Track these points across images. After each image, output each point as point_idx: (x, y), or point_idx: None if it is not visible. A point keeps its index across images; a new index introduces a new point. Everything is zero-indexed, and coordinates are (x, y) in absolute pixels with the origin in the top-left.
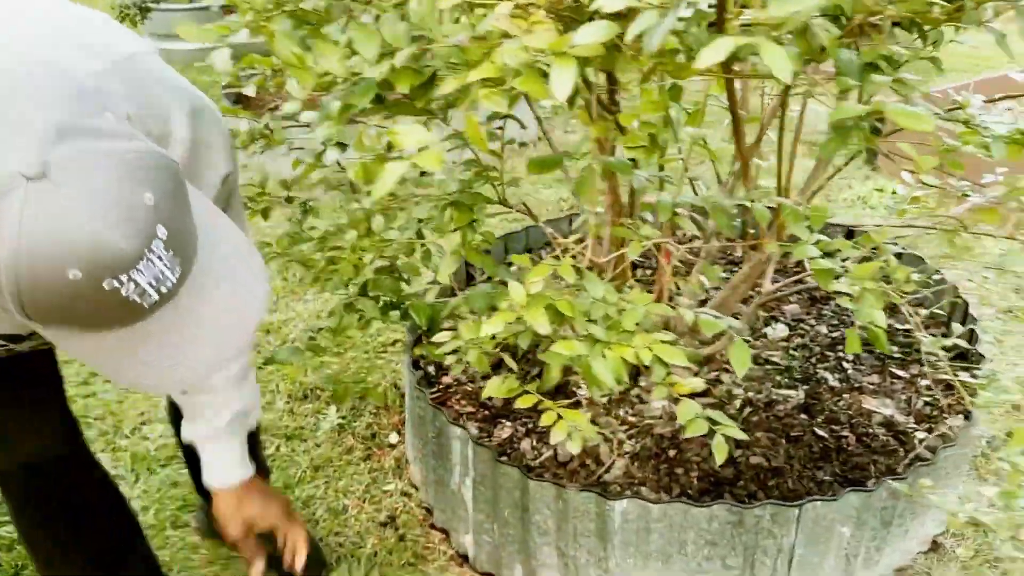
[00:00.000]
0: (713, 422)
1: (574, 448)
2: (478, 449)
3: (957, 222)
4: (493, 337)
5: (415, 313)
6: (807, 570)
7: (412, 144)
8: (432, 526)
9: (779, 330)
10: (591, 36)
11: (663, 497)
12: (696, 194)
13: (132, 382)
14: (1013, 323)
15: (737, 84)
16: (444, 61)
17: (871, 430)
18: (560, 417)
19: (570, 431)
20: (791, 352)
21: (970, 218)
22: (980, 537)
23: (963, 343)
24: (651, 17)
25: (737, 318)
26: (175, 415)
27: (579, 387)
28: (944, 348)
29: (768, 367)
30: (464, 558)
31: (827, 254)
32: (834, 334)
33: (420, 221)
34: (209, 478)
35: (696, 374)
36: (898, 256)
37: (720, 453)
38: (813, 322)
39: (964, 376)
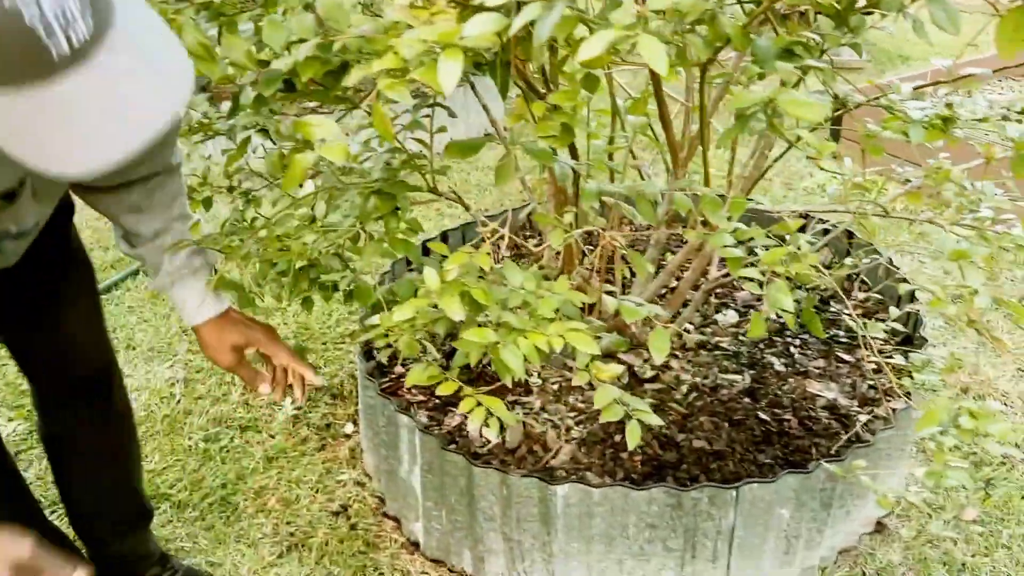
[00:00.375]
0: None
1: (491, 434)
2: (425, 437)
3: (877, 206)
4: (415, 324)
5: (358, 297)
6: (748, 552)
7: (322, 135)
8: (384, 515)
9: (729, 316)
10: (480, 27)
11: (607, 481)
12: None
13: (57, 162)
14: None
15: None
16: (354, 51)
17: (814, 413)
18: (480, 404)
19: (487, 417)
20: (740, 338)
21: (893, 202)
22: (923, 518)
23: (900, 327)
24: (535, 9)
25: (686, 305)
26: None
27: (530, 375)
28: (884, 332)
29: (717, 352)
30: (415, 545)
31: (743, 241)
32: (782, 320)
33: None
34: (188, 319)
35: (646, 360)
36: (848, 242)
37: (633, 438)
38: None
39: (902, 363)
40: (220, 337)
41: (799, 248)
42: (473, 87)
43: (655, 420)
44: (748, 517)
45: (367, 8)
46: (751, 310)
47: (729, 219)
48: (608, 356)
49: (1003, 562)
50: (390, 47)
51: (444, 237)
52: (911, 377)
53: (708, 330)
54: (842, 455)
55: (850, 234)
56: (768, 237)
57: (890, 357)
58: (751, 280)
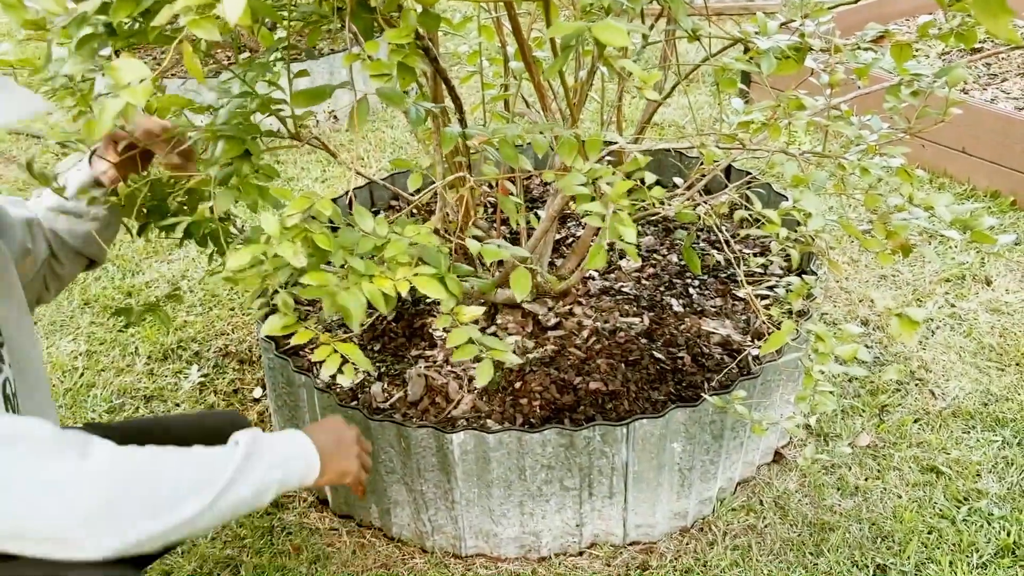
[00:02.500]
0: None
1: (346, 380)
2: (322, 395)
3: (731, 140)
4: (261, 272)
5: (213, 241)
6: (644, 486)
7: (129, 78)
8: None
9: (632, 262)
10: None
11: (504, 427)
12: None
13: None
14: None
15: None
16: None
17: (707, 350)
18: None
19: (342, 363)
20: (643, 282)
21: (748, 134)
22: (820, 445)
23: (778, 258)
24: None
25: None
26: None
27: (434, 329)
28: (763, 266)
29: (619, 297)
30: (324, 503)
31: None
32: (684, 263)
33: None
34: (299, 481)
35: (551, 309)
36: (747, 186)
37: (483, 376)
38: (665, 252)
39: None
40: (331, 464)
41: (643, 182)
42: (357, 37)
43: (512, 359)
44: (641, 452)
45: None
46: (653, 255)
47: (585, 159)
48: (514, 306)
49: (894, 483)
50: None
51: (349, 198)
52: (792, 312)
53: (612, 276)
54: (730, 388)
55: (728, 170)
56: (615, 174)
57: (773, 289)
58: (593, 214)
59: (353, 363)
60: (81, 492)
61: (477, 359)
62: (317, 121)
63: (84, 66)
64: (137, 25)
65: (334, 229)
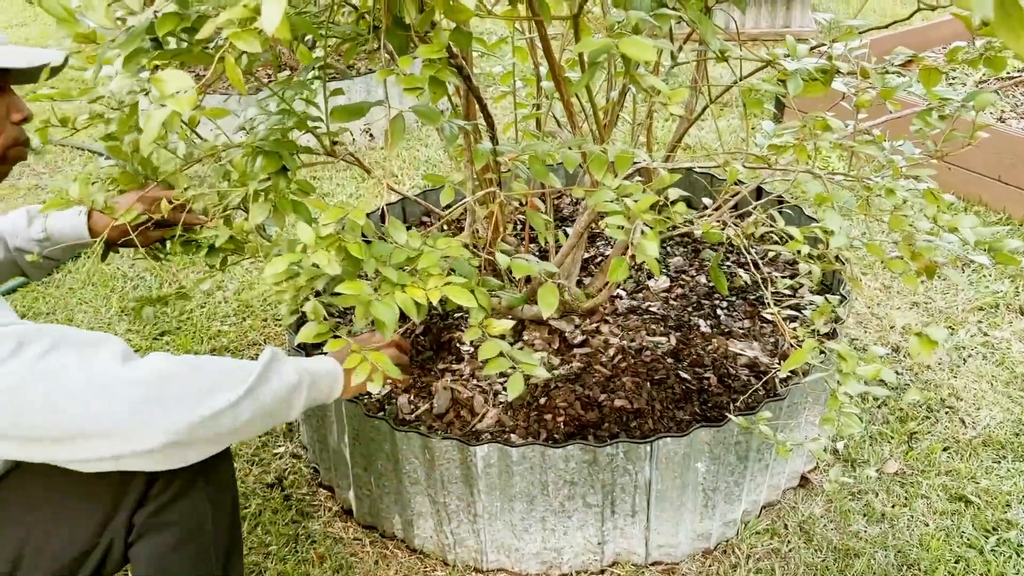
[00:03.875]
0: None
1: (374, 388)
2: (349, 405)
3: (759, 160)
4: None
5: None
6: (667, 505)
7: (174, 88)
8: (320, 485)
9: (660, 282)
10: None
11: (528, 441)
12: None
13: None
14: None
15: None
16: (212, 4)
17: (734, 371)
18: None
19: (371, 371)
20: (670, 302)
21: (776, 154)
22: (848, 471)
23: (808, 281)
24: None
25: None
26: None
27: (462, 343)
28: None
29: (646, 316)
30: (348, 513)
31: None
32: (712, 283)
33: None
34: (328, 384)
35: (577, 326)
36: (778, 209)
37: (514, 388)
38: (694, 273)
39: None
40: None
41: (668, 198)
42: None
43: (541, 373)
44: (664, 471)
45: None
46: (682, 275)
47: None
48: (541, 322)
49: (921, 511)
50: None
51: (382, 213)
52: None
53: (640, 295)
54: (756, 409)
55: (758, 192)
56: (644, 192)
57: (802, 311)
58: (615, 226)
59: (384, 372)
60: (128, 388)
61: (503, 373)
62: (353, 139)
63: (129, 83)
64: (181, 43)
65: (367, 242)
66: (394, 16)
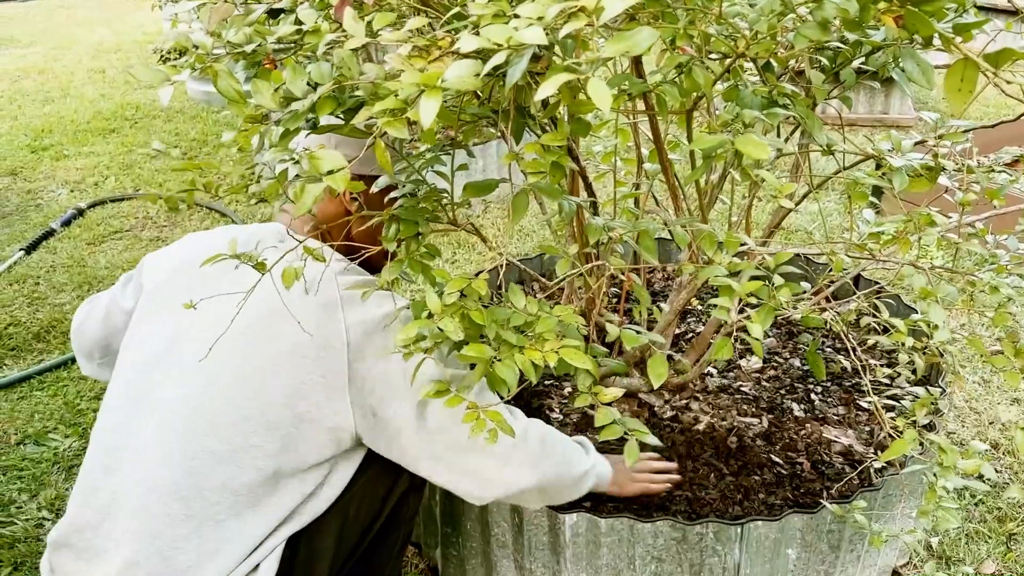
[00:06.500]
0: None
1: (629, 460)
2: None
3: (861, 249)
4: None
5: None
6: None
7: (328, 167)
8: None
9: (753, 362)
10: (457, 72)
11: (619, 514)
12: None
13: None
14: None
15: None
16: (367, 93)
17: (828, 458)
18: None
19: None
20: (763, 383)
21: (878, 245)
22: (942, 568)
23: (906, 371)
24: (501, 56)
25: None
26: None
27: (552, 409)
28: (890, 377)
29: (737, 396)
30: (434, 572)
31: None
32: (807, 367)
33: None
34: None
35: (667, 401)
36: (877, 297)
37: (631, 456)
38: (787, 355)
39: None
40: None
41: (771, 282)
42: (504, 135)
43: (653, 440)
44: (754, 555)
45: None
46: (775, 357)
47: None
48: (630, 396)
49: None
50: (390, 91)
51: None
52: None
53: (731, 374)
54: (850, 498)
55: (857, 279)
56: (757, 270)
57: (899, 401)
58: (722, 308)
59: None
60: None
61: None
62: (474, 210)
63: (281, 155)
64: (335, 120)
65: (484, 306)
66: (518, 105)
